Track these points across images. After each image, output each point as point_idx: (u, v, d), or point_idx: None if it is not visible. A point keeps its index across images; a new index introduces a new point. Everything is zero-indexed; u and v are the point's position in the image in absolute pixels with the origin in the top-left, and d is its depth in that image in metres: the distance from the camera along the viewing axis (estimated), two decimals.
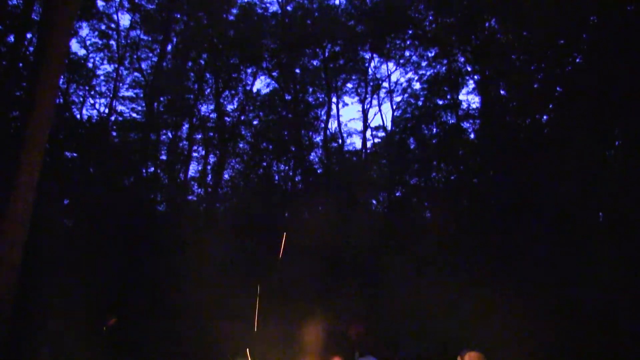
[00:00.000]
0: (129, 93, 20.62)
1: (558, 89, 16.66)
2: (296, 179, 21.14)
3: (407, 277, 13.64)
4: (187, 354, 10.49)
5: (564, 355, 9.82)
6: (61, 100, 17.54)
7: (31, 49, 14.89)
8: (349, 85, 22.71)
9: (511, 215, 14.47)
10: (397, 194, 20.01)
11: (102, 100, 20.23)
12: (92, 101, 19.85)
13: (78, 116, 19.07)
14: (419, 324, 12.00)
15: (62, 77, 15.78)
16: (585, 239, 13.25)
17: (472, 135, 19.81)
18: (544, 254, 12.89)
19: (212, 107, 21.31)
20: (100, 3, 19.67)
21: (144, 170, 19.90)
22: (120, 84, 20.37)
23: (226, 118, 21.20)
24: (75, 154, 17.83)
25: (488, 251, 13.62)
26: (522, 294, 11.88)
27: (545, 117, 17.35)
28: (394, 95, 22.32)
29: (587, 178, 13.61)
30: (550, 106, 16.92)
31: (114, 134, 20.34)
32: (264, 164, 21.18)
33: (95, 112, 21.24)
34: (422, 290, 12.86)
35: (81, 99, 19.35)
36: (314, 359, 6.35)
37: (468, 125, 19.98)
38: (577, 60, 16.23)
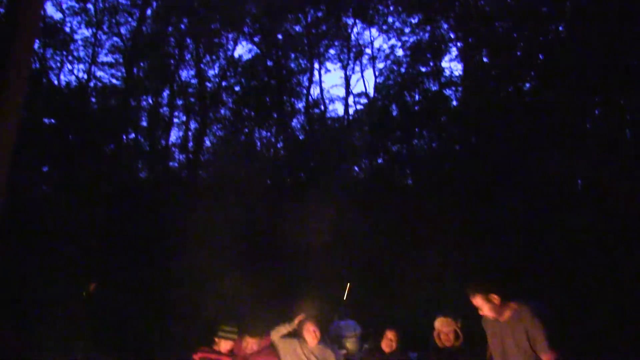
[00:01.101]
0: (108, 58, 20.24)
1: (540, 56, 16.70)
2: (278, 146, 21.10)
3: (388, 243, 13.79)
4: (171, 320, 10.55)
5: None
6: (37, 66, 17.20)
7: (2, 10, 14.51)
8: (332, 51, 22.56)
9: (492, 181, 14.62)
10: (379, 161, 20.07)
11: (81, 66, 19.89)
12: (69, 67, 19.51)
13: (55, 82, 18.75)
14: (399, 290, 12.20)
15: (37, 41, 15.46)
16: (564, 205, 13.49)
17: (454, 103, 19.90)
18: (523, 219, 13.05)
19: (192, 72, 21.09)
20: None
21: (124, 137, 19.71)
22: (99, 49, 19.99)
23: (207, 84, 20.98)
24: (53, 121, 17.58)
25: (469, 217, 13.79)
26: (501, 258, 12.11)
27: (527, 85, 17.43)
28: (377, 61, 22.23)
29: (566, 145, 13.75)
30: (532, 74, 16.99)
31: (93, 100, 20.04)
32: (246, 130, 21.06)
33: (73, 77, 20.88)
34: (404, 257, 13.05)
35: (58, 65, 19.00)
36: (293, 325, 6.39)
37: (450, 92, 20.05)
38: (560, 28, 16.25)
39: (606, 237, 11.90)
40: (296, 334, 6.38)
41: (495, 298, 4.64)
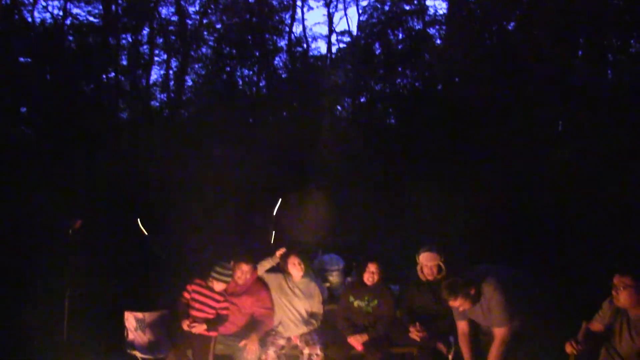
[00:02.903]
0: None
1: None
2: (260, 84, 20.92)
3: (370, 181, 13.93)
4: (159, 255, 10.57)
5: (518, 250, 10.34)
6: (8, 2, 16.66)
7: None
8: None
9: (475, 120, 14.72)
10: (362, 100, 20.04)
11: (55, 3, 19.27)
12: (43, 3, 18.90)
13: (29, 19, 18.20)
14: (380, 223, 12.42)
15: None
16: (544, 144, 13.68)
17: (438, 41, 19.79)
18: (506, 157, 13.19)
19: (173, 9, 20.59)
20: None
21: (104, 76, 19.37)
22: None
23: (188, 21, 20.53)
24: (29, 60, 17.18)
25: (451, 154, 13.95)
26: (482, 196, 12.35)
27: (511, 24, 17.34)
28: None
29: (549, 86, 13.83)
30: (517, 12, 16.87)
31: (70, 38, 19.52)
32: (228, 68, 20.78)
33: (48, 15, 20.17)
34: (384, 192, 13.23)
35: (31, 1, 18.37)
36: (276, 259, 6.55)
37: (434, 31, 19.91)
38: None
39: (586, 176, 12.14)
40: (281, 269, 6.56)
41: (473, 290, 4.97)
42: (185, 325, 5.76)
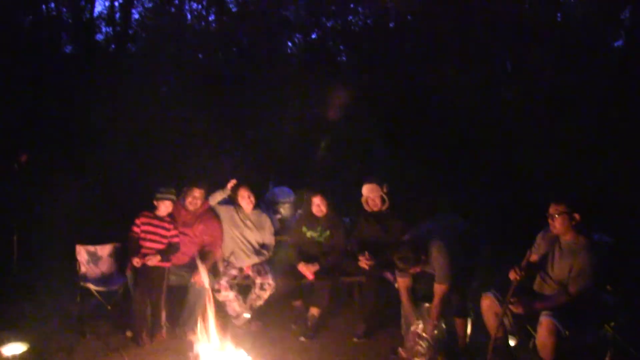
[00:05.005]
0: None
1: None
2: (210, 18, 20.31)
3: (319, 116, 13.96)
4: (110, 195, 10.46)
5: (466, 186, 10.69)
6: None
7: None
8: None
9: (425, 56, 14.79)
10: (313, 36, 19.75)
11: None
12: None
13: None
14: (329, 160, 12.59)
15: None
16: (492, 84, 13.93)
17: None
18: (453, 93, 13.37)
19: None
20: None
21: (44, 7, 18.44)
22: None
23: None
24: None
25: (401, 90, 14.05)
26: (431, 132, 12.59)
27: None
28: None
29: (500, 25, 13.96)
30: None
31: None
32: (176, 1, 20.06)
33: None
34: (334, 129, 13.35)
35: None
36: (227, 191, 6.60)
37: None
38: None
39: (534, 115, 12.48)
40: (232, 201, 6.64)
41: (423, 256, 5.27)
42: (135, 261, 5.80)
